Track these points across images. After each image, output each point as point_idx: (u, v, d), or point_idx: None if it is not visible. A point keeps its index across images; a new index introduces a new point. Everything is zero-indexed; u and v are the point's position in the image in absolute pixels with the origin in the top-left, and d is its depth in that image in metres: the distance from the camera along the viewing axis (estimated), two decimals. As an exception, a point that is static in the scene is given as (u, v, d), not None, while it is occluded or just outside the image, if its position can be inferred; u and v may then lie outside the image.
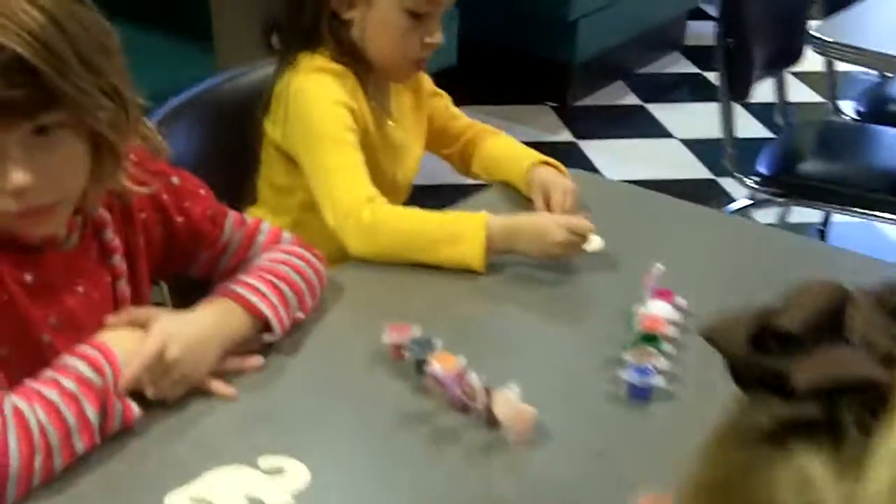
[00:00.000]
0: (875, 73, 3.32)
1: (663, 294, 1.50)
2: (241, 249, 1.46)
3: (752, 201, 2.93)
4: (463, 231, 1.58)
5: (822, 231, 3.50)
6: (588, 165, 4.04)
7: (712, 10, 5.16)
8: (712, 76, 4.80)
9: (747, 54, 2.83)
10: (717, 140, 4.27)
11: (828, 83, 3.29)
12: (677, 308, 1.49)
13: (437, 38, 1.71)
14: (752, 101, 2.95)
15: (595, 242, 1.68)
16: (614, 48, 4.56)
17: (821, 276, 0.58)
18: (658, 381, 1.35)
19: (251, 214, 1.79)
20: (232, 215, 1.47)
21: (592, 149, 4.17)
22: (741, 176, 2.88)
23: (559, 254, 1.62)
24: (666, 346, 1.42)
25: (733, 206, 3.00)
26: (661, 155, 4.19)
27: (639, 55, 4.82)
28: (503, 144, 1.89)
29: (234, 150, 1.82)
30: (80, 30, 1.17)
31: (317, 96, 1.66)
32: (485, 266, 1.58)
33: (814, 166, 2.88)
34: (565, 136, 4.27)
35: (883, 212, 2.78)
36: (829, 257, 1.82)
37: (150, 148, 1.36)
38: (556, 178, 1.77)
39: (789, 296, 0.59)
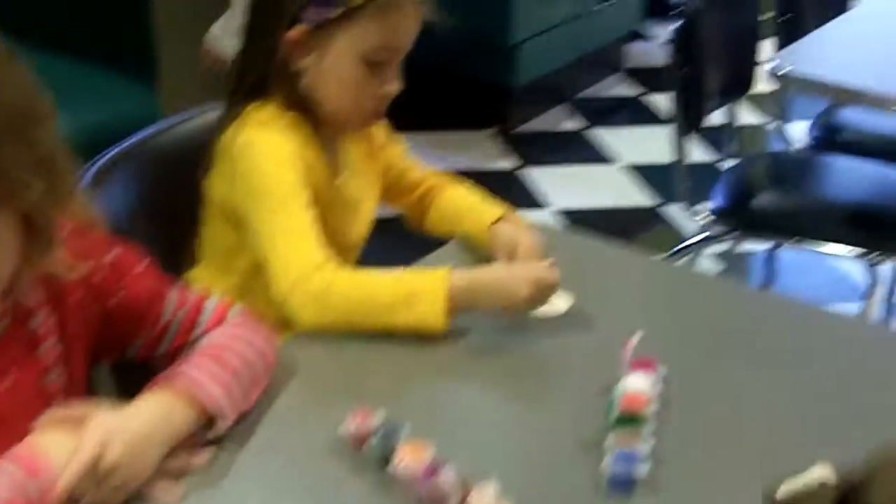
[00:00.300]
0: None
1: (644, 364, 1.40)
2: (183, 331, 1.34)
3: (705, 235, 2.85)
4: (421, 290, 1.47)
5: (770, 258, 3.45)
6: (532, 192, 3.95)
7: (651, 32, 5.16)
8: (654, 98, 4.76)
9: (701, 83, 2.75)
10: (661, 166, 4.26)
11: (777, 109, 3.23)
12: (659, 379, 1.40)
13: (396, 86, 1.60)
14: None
15: (563, 300, 1.58)
16: (556, 71, 4.49)
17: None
18: (642, 469, 1.25)
19: (194, 278, 1.67)
20: (174, 293, 1.35)
21: (536, 175, 4.08)
22: (694, 211, 2.80)
23: (526, 309, 1.52)
24: (648, 427, 1.32)
25: (688, 242, 2.92)
26: (605, 181, 4.12)
27: (581, 78, 4.74)
28: (462, 196, 1.78)
29: (175, 206, 1.69)
30: (12, 96, 1.05)
31: (264, 153, 1.55)
32: (447, 326, 1.47)
33: (768, 200, 2.81)
34: (509, 162, 4.18)
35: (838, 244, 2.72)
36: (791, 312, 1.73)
37: (83, 220, 1.23)
38: (521, 234, 1.66)
39: (872, 467, 0.50)
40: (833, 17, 2.90)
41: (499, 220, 1.70)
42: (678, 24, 2.68)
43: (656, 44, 5.05)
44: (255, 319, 1.39)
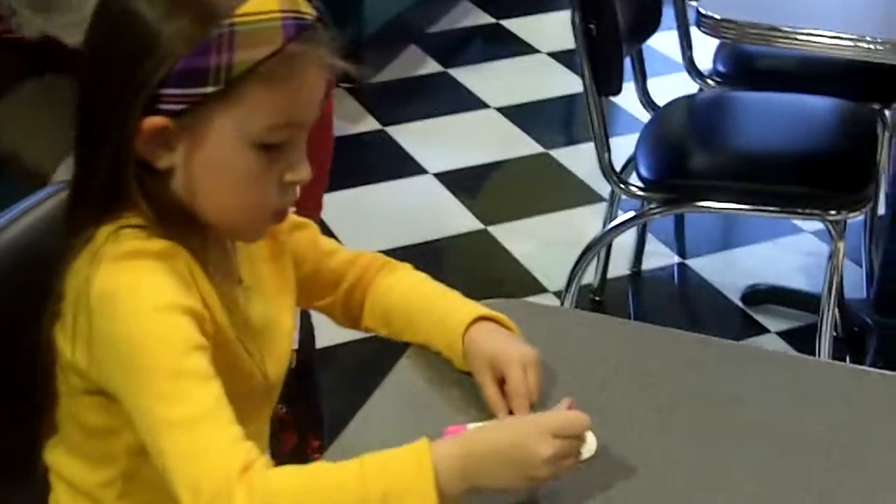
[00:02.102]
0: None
1: None
2: None
3: (640, 211, 2.45)
4: (396, 491, 1.01)
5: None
6: (403, 156, 3.48)
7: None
8: (508, 24, 4.32)
9: (613, 38, 2.31)
10: (538, 102, 3.86)
11: (682, 46, 2.82)
12: None
13: (304, 173, 1.11)
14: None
15: (588, 445, 1.14)
16: (401, 13, 4.00)
17: None
18: None
19: (56, 467, 1.18)
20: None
21: (404, 135, 3.60)
22: (623, 186, 2.39)
23: (547, 477, 1.07)
24: None
25: (618, 220, 2.50)
26: (482, 132, 3.67)
27: (426, 14, 4.26)
28: (410, 289, 1.31)
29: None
30: None
31: (133, 307, 1.04)
32: None
33: (701, 161, 2.42)
34: (370, 123, 3.68)
35: (788, 206, 2.35)
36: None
37: None
38: (507, 345, 1.21)
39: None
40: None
41: (473, 322, 1.24)
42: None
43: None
44: None
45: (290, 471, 1.02)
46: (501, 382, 1.20)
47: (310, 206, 1.93)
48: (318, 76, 1.09)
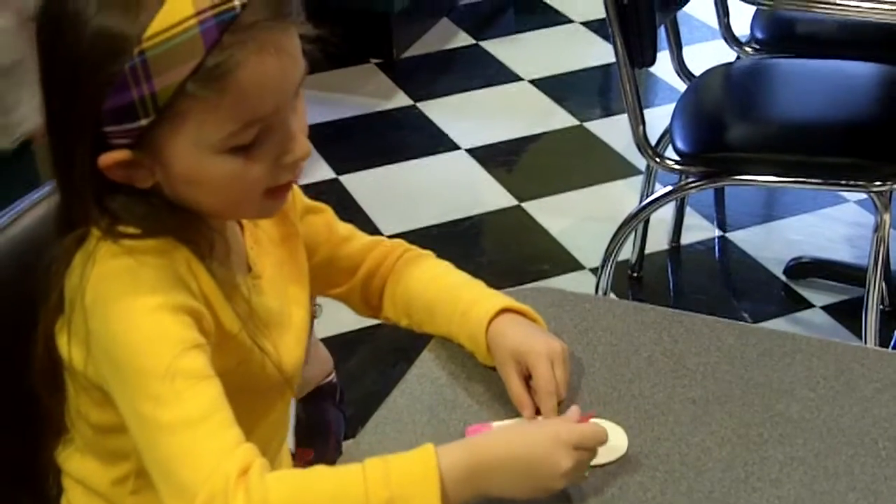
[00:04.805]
0: None
1: None
2: None
3: (676, 185, 2.37)
4: (402, 495, 0.95)
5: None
6: (435, 132, 3.41)
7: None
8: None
9: (646, 6, 2.23)
10: (572, 74, 3.78)
11: (718, 13, 2.73)
12: None
13: (299, 150, 1.04)
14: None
15: (618, 443, 1.09)
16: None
17: None
18: None
19: (69, 468, 1.15)
20: None
21: (436, 111, 3.53)
22: (659, 160, 2.31)
23: (566, 484, 1.02)
24: None
25: (654, 195, 2.43)
26: (515, 105, 3.59)
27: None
28: (432, 279, 1.25)
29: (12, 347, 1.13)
30: None
31: (126, 307, 0.99)
32: None
33: (739, 132, 2.34)
34: (401, 99, 3.61)
35: (831, 178, 2.26)
36: None
37: None
38: (532, 339, 1.15)
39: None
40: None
41: (498, 315, 1.18)
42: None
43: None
44: None
45: (290, 475, 0.98)
46: (528, 377, 1.15)
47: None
48: (267, 62, 0.97)
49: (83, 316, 1.02)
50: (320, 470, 0.99)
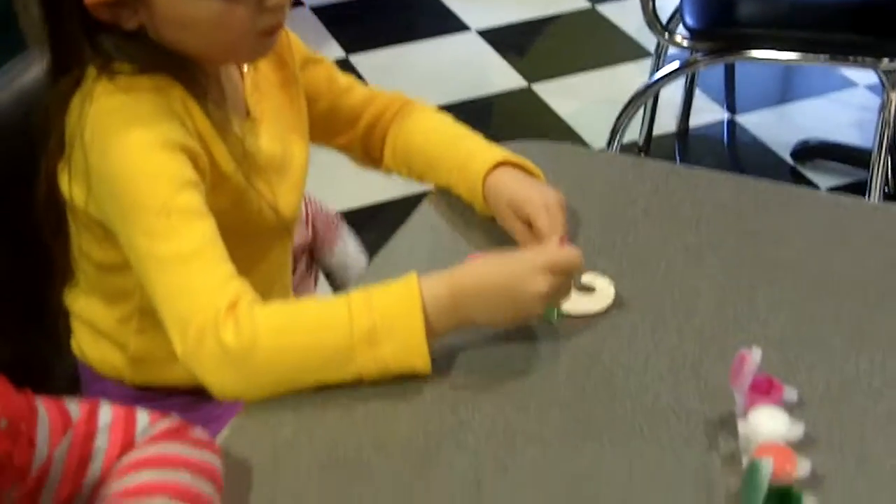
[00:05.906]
0: None
1: (763, 387, 0.95)
2: (71, 474, 0.84)
3: (685, 62, 2.36)
4: (384, 319, 0.98)
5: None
6: (445, 13, 3.38)
7: None
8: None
9: None
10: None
11: None
12: (790, 407, 0.95)
13: None
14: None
15: (603, 293, 1.11)
16: None
17: None
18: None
19: (75, 308, 1.18)
20: (44, 421, 0.84)
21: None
22: (669, 36, 2.30)
23: (539, 312, 1.04)
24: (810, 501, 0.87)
25: (663, 70, 2.42)
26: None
27: None
28: (431, 128, 1.27)
29: (18, 195, 1.15)
30: None
31: (122, 142, 1.01)
32: (429, 365, 1.00)
33: (749, 8, 2.32)
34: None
35: (840, 54, 2.25)
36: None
37: None
38: (528, 190, 1.16)
39: None
40: None
41: (495, 167, 1.19)
42: None
43: None
44: (178, 427, 0.89)
45: (277, 307, 1.01)
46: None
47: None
48: None
49: (83, 152, 1.04)
50: (307, 302, 1.03)
